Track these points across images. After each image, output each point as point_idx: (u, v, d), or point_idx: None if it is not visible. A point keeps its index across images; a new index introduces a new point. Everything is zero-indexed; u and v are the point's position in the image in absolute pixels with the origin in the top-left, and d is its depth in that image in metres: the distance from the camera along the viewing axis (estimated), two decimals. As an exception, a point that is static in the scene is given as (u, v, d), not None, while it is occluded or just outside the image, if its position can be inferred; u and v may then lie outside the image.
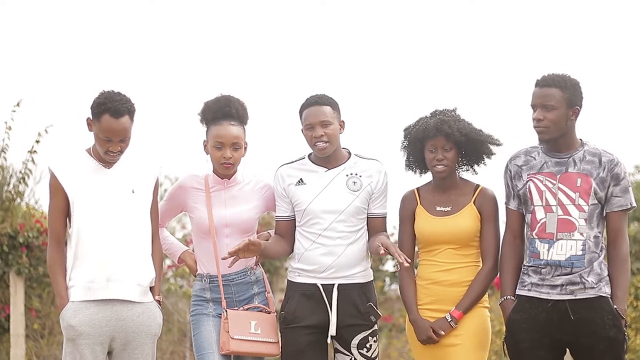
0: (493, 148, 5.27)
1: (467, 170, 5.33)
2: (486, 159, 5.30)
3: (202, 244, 5.39)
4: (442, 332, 5.15)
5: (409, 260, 5.05)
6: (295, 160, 5.43)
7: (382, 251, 5.05)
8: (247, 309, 5.30)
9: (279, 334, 5.38)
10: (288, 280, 5.44)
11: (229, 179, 5.37)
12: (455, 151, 5.21)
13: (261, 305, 5.34)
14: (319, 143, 5.25)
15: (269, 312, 5.34)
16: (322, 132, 5.25)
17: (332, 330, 5.24)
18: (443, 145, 5.19)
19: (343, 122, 5.36)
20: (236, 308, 5.29)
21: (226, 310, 5.25)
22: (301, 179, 5.36)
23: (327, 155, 5.30)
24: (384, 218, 5.37)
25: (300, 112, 5.33)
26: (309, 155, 5.41)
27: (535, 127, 4.99)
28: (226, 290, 5.33)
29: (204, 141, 5.38)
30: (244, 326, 5.23)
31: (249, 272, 5.37)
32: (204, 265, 5.39)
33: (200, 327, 5.35)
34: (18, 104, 10.61)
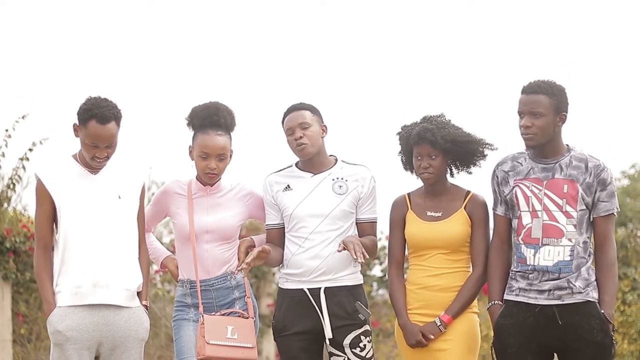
0: (484, 150, 5.27)
1: (460, 172, 5.32)
2: (478, 162, 5.30)
3: (183, 250, 5.39)
4: (432, 337, 5.15)
5: (367, 256, 5.06)
6: (283, 169, 5.45)
7: (339, 248, 5.09)
8: (224, 314, 5.30)
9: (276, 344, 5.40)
10: (278, 287, 5.46)
11: (211, 186, 5.37)
12: (441, 158, 5.20)
13: (239, 310, 5.34)
14: (299, 145, 5.26)
15: (247, 317, 5.33)
16: (301, 133, 5.27)
17: (329, 333, 5.24)
18: (428, 153, 5.19)
19: (325, 126, 5.38)
20: (213, 313, 5.29)
21: (202, 315, 5.24)
22: (288, 185, 5.37)
23: (310, 157, 5.32)
24: (372, 223, 5.38)
25: (282, 122, 5.36)
26: (297, 163, 5.43)
27: (522, 134, 4.99)
28: (206, 296, 5.33)
29: (190, 147, 5.37)
30: (220, 331, 5.21)
31: (229, 277, 5.36)
32: (185, 271, 5.39)
33: (180, 332, 5.35)
34: (23, 117, 10.54)
